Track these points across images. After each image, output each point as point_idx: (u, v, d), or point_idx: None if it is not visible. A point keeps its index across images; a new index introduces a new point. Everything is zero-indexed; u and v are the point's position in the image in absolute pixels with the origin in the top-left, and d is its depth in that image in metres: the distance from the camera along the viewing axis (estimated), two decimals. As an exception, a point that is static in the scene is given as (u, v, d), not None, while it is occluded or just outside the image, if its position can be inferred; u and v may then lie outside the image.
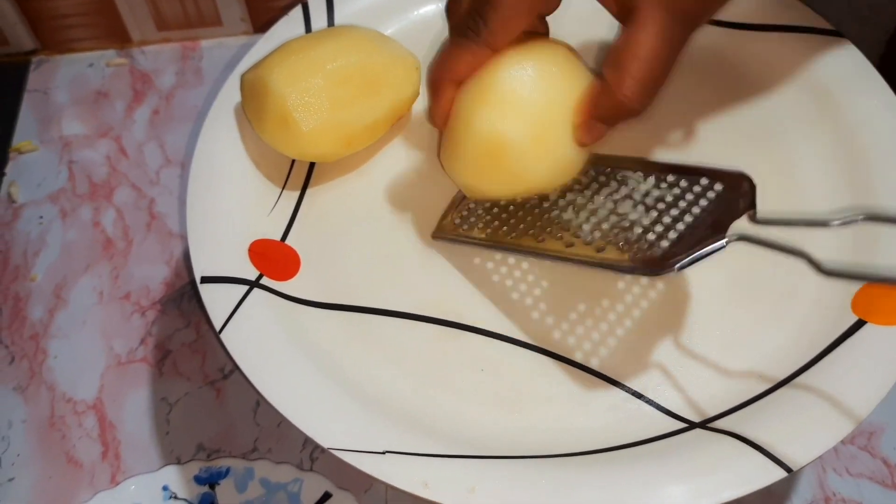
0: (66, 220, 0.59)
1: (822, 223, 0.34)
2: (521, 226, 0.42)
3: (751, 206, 0.36)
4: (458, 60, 0.40)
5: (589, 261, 0.40)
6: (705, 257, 0.37)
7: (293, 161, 0.47)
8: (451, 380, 0.41)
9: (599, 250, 0.40)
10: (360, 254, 0.45)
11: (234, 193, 0.45)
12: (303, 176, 0.48)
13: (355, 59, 0.44)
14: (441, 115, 0.42)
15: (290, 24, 0.50)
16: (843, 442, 0.48)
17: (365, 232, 0.46)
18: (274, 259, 0.44)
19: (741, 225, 0.37)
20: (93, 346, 0.54)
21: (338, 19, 0.51)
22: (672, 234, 0.38)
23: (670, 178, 0.40)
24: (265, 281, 0.43)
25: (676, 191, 0.39)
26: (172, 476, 0.48)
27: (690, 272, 0.43)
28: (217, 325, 0.40)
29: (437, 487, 0.36)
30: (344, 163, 0.47)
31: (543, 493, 0.36)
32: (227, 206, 0.45)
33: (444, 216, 0.45)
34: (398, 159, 0.49)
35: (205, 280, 0.42)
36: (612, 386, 0.41)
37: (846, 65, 0.47)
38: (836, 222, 0.34)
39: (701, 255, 0.36)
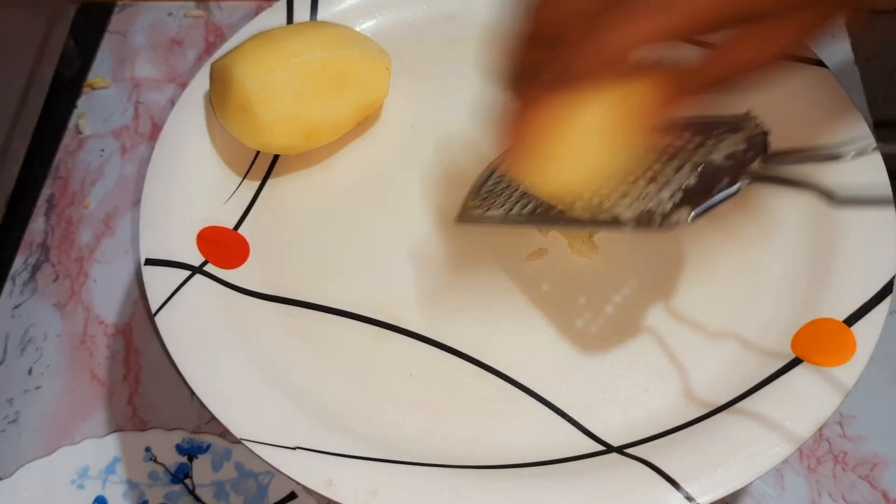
0: (124, 156, 0.63)
1: (835, 156, 0.34)
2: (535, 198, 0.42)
3: (763, 149, 0.35)
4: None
5: (603, 220, 0.38)
6: (719, 204, 0.35)
7: (258, 152, 0.49)
8: (379, 381, 0.42)
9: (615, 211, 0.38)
10: (310, 249, 0.46)
11: (194, 178, 0.47)
12: (265, 167, 0.49)
13: (323, 55, 0.46)
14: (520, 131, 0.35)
15: (272, 16, 0.52)
16: (843, 468, 0.48)
17: (318, 228, 0.47)
18: (223, 246, 0.46)
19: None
20: (130, 275, 0.58)
21: (321, 15, 0.52)
22: (686, 185, 0.36)
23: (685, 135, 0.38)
24: (209, 268, 0.44)
25: (688, 145, 0.38)
26: (157, 439, 0.50)
27: (636, 295, 0.43)
28: (153, 308, 0.42)
29: (340, 487, 0.37)
30: (308, 157, 0.49)
31: (442, 503, 0.36)
32: (184, 190, 0.46)
33: (465, 202, 0.45)
34: (362, 159, 0.50)
35: (148, 262, 0.43)
36: (538, 403, 0.41)
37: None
38: (850, 154, 0.34)
39: (714, 201, 0.35)
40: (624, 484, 0.36)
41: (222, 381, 0.40)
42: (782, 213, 0.44)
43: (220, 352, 0.41)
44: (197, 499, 0.48)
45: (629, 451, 0.38)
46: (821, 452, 0.49)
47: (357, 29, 0.52)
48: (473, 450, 0.39)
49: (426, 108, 0.51)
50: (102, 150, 0.63)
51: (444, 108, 0.51)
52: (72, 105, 0.66)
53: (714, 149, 0.37)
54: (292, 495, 0.47)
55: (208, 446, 0.49)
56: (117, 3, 0.71)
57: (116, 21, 0.71)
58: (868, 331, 0.39)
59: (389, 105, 0.51)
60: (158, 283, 0.43)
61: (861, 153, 0.34)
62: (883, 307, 0.40)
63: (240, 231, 0.47)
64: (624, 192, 0.38)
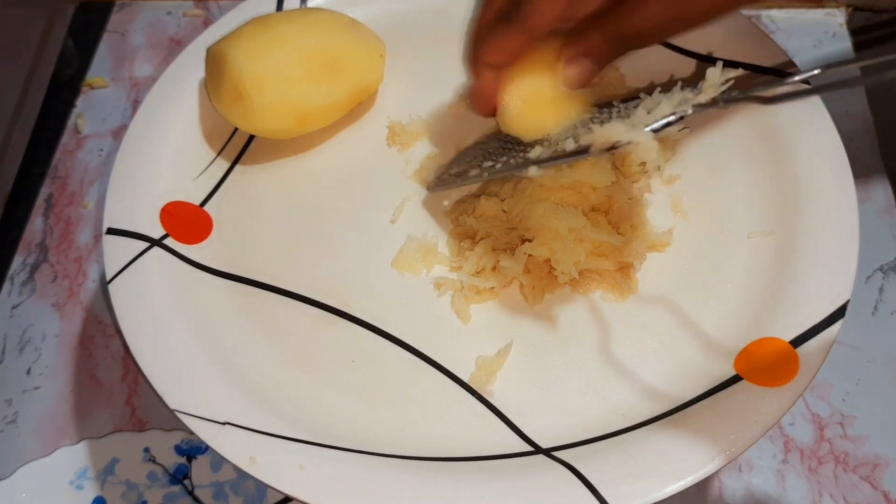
0: (123, 156, 0.62)
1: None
2: (498, 157, 0.43)
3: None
4: (497, 46, 0.41)
5: (560, 154, 0.40)
6: (671, 125, 0.37)
7: (234, 131, 0.49)
8: (321, 365, 0.42)
9: (562, 146, 0.40)
10: (272, 231, 0.47)
11: (166, 153, 0.48)
12: (239, 147, 0.50)
13: (318, 40, 0.46)
14: (483, 99, 0.42)
15: (261, 1, 0.52)
16: (844, 469, 0.48)
17: (283, 211, 0.47)
18: (186, 221, 0.46)
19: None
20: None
21: (311, 3, 0.53)
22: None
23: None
24: (169, 241, 0.45)
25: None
26: (156, 440, 0.50)
27: (581, 304, 0.44)
28: (108, 276, 0.43)
29: (262, 465, 0.38)
30: (283, 141, 0.49)
31: (361, 489, 0.37)
32: (155, 163, 0.47)
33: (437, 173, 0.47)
34: (344, 146, 0.50)
35: (110, 231, 0.44)
36: (475, 399, 0.41)
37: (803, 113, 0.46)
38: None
39: (667, 121, 0.37)
40: (543, 485, 0.37)
41: (164, 351, 0.41)
42: (742, 232, 0.45)
43: (167, 323, 0.42)
44: (196, 499, 0.48)
45: (556, 453, 0.38)
46: (822, 453, 0.48)
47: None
48: (404, 440, 0.40)
49: (408, 101, 0.51)
50: (101, 150, 0.63)
51: (426, 102, 0.51)
52: (70, 104, 0.66)
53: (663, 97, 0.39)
54: (288, 498, 0.47)
55: (207, 447, 0.49)
56: (116, 3, 0.71)
57: (115, 20, 0.70)
58: (813, 354, 0.39)
59: (380, 93, 0.51)
60: (117, 252, 0.44)
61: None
62: (832, 331, 0.39)
63: (205, 208, 0.47)
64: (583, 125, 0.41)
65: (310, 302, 0.44)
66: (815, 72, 0.37)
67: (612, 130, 0.37)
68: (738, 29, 0.49)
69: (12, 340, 0.55)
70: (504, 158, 0.43)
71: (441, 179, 0.46)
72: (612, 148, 0.37)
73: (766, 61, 0.48)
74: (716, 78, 0.37)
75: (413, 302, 0.44)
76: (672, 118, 0.37)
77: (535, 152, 0.40)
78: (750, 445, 0.37)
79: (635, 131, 0.37)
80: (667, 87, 0.40)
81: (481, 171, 0.43)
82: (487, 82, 0.42)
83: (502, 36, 0.40)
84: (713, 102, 0.37)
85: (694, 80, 0.39)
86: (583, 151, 0.38)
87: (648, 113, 0.38)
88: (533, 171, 0.39)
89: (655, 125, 0.37)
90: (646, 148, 0.36)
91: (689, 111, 0.37)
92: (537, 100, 0.41)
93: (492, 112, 0.43)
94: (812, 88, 0.43)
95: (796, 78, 0.37)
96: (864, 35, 0.66)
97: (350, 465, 0.38)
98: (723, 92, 0.38)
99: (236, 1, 0.53)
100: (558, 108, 0.41)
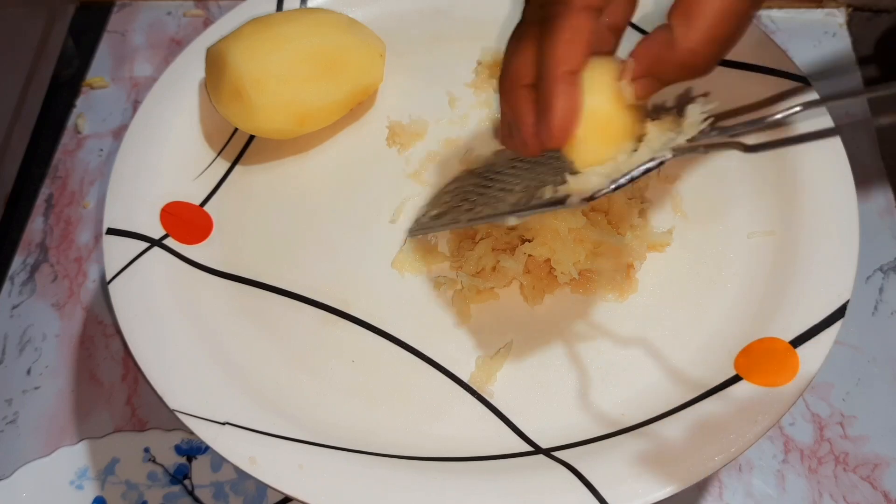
0: (123, 156, 0.62)
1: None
2: (476, 199, 0.42)
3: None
4: (563, 46, 0.33)
5: (536, 204, 0.37)
6: (651, 170, 0.35)
7: (234, 131, 0.49)
8: (321, 365, 0.42)
9: (540, 193, 0.37)
10: (272, 231, 0.47)
11: (166, 153, 0.48)
12: (239, 147, 0.50)
13: (318, 41, 0.46)
14: (566, 124, 0.34)
15: (261, 1, 0.52)
16: (844, 469, 0.48)
17: (283, 211, 0.48)
18: (186, 221, 0.46)
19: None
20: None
21: (311, 3, 0.53)
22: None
23: None
24: (169, 241, 0.45)
25: None
26: (156, 440, 0.49)
27: (584, 301, 0.44)
28: (108, 276, 0.43)
29: (262, 465, 0.38)
30: (283, 141, 0.49)
31: (361, 489, 0.37)
32: (155, 163, 0.47)
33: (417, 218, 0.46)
34: (344, 146, 0.50)
35: (110, 231, 0.44)
36: (474, 399, 0.41)
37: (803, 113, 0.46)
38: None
39: (647, 168, 0.35)
40: (543, 485, 0.37)
41: (165, 351, 0.41)
42: (742, 232, 0.45)
43: (167, 323, 0.42)
44: (196, 499, 0.48)
45: (556, 453, 0.38)
46: (822, 453, 0.48)
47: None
48: (405, 440, 0.40)
49: (408, 101, 0.51)
50: (101, 150, 0.63)
51: (426, 102, 0.51)
52: (70, 104, 0.66)
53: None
54: (288, 498, 0.47)
55: (207, 447, 0.49)
56: (116, 3, 0.71)
57: (115, 20, 0.70)
58: (813, 354, 0.39)
59: (380, 92, 0.51)
60: (117, 252, 0.44)
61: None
62: (832, 331, 0.39)
63: (205, 208, 0.47)
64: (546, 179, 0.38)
65: (310, 302, 0.44)
66: (797, 109, 0.34)
67: (590, 181, 0.35)
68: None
69: (12, 340, 0.55)
70: (482, 199, 0.42)
71: (420, 223, 0.45)
72: (591, 199, 0.35)
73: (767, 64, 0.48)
74: (696, 115, 0.35)
75: (413, 302, 0.44)
76: (652, 164, 0.35)
77: (513, 197, 0.39)
78: (750, 445, 0.37)
79: (612, 181, 0.34)
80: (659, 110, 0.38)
81: (459, 216, 0.42)
82: (571, 97, 0.33)
83: (561, 32, 0.33)
84: (694, 148, 0.35)
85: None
86: (559, 202, 0.36)
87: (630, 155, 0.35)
88: (512, 220, 0.38)
89: (635, 173, 0.35)
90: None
91: (669, 156, 0.35)
92: (609, 119, 0.35)
93: (563, 144, 0.35)
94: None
95: (778, 116, 0.34)
96: (864, 34, 0.66)
97: (350, 465, 0.38)
98: (702, 131, 0.35)
99: (236, 1, 0.53)
100: (626, 125, 0.36)
